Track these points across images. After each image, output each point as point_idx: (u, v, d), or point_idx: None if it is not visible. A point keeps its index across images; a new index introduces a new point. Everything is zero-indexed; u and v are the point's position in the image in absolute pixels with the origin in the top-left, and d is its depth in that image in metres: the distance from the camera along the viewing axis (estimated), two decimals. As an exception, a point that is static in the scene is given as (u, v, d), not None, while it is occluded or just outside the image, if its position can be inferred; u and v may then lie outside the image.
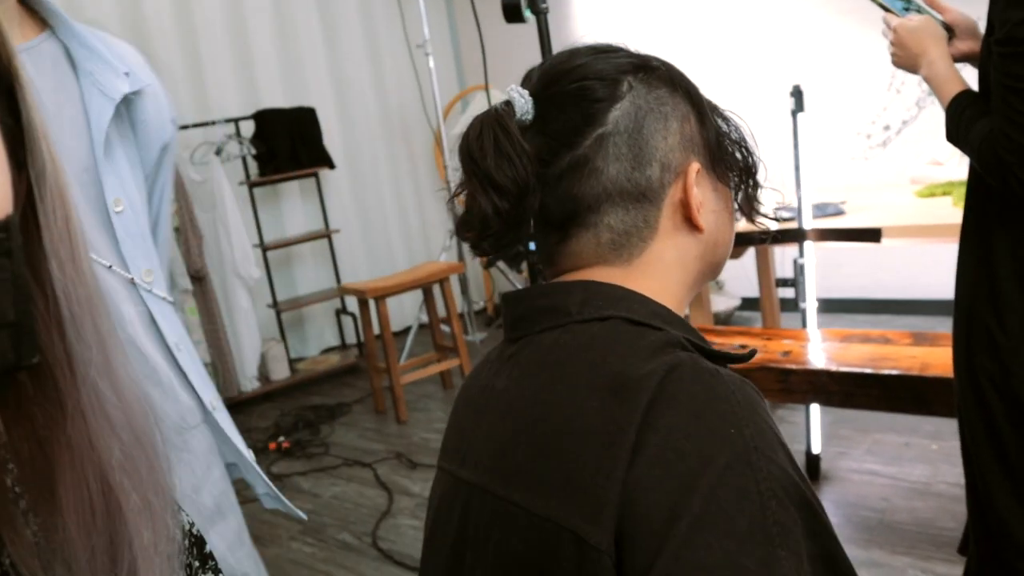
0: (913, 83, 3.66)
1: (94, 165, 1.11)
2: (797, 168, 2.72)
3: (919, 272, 4.18)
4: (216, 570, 0.69)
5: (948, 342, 2.36)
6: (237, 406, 4.26)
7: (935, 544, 2.30)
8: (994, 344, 1.36)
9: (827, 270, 4.05)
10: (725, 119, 0.77)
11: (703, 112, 0.75)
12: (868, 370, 2.27)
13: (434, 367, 4.02)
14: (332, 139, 4.81)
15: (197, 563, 0.67)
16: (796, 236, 2.72)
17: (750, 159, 0.78)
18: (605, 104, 0.71)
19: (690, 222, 0.73)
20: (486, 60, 2.19)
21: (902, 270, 4.21)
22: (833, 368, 2.33)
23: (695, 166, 0.73)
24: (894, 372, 2.22)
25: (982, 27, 1.36)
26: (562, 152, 0.71)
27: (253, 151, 4.32)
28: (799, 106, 2.69)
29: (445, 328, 4.38)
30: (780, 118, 2.76)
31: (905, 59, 1.46)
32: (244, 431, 3.91)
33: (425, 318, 4.38)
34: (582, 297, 0.70)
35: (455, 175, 4.79)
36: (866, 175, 3.68)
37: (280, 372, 4.43)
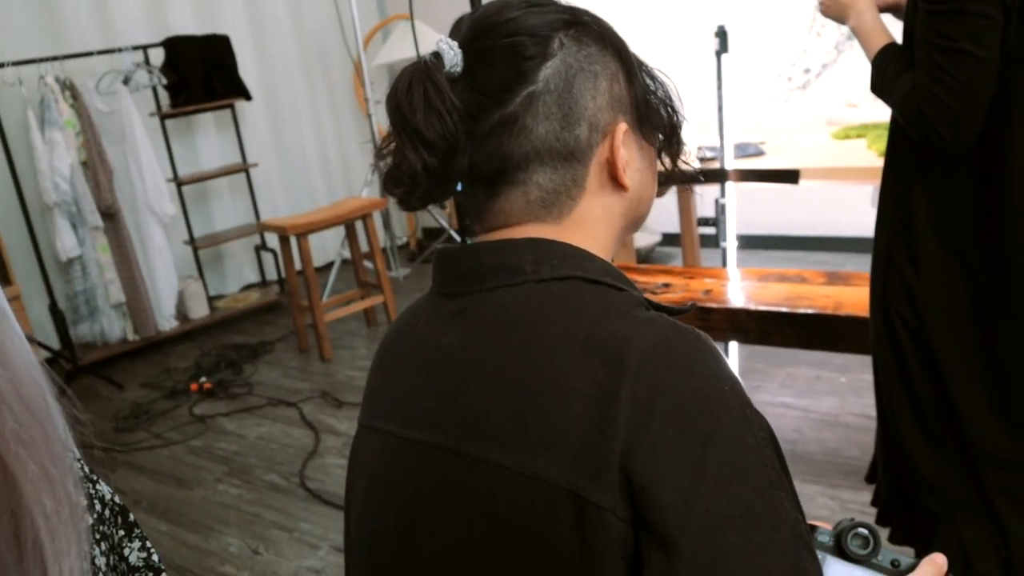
0: (833, 26, 3.72)
1: None
2: (720, 109, 2.75)
3: (832, 210, 4.32)
4: (143, 537, 0.68)
5: (860, 281, 2.48)
6: (155, 346, 4.17)
7: (842, 472, 2.44)
8: (909, 290, 1.43)
9: (744, 207, 4.15)
10: (652, 77, 0.78)
11: (632, 70, 0.75)
12: (784, 309, 2.35)
13: (358, 304, 4.00)
14: (247, 69, 4.63)
15: (122, 532, 0.67)
16: (718, 176, 2.77)
17: (675, 117, 0.78)
18: (536, 62, 0.70)
19: (616, 180, 0.74)
20: (411, -8, 2.13)
21: (816, 208, 4.35)
22: (752, 307, 2.40)
23: (622, 126, 0.73)
24: (809, 311, 2.31)
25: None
26: (491, 109, 0.70)
27: (164, 81, 4.13)
28: (723, 47, 2.71)
29: (368, 264, 4.35)
30: (704, 58, 2.78)
31: (833, 9, 1.48)
32: (163, 371, 3.86)
33: (347, 254, 4.33)
34: (534, 256, 0.70)
35: (376, 108, 4.69)
36: (785, 116, 3.76)
37: (199, 310, 4.34)
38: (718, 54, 2.71)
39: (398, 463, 0.73)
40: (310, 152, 5.18)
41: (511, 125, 0.70)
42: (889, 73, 1.35)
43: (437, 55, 0.71)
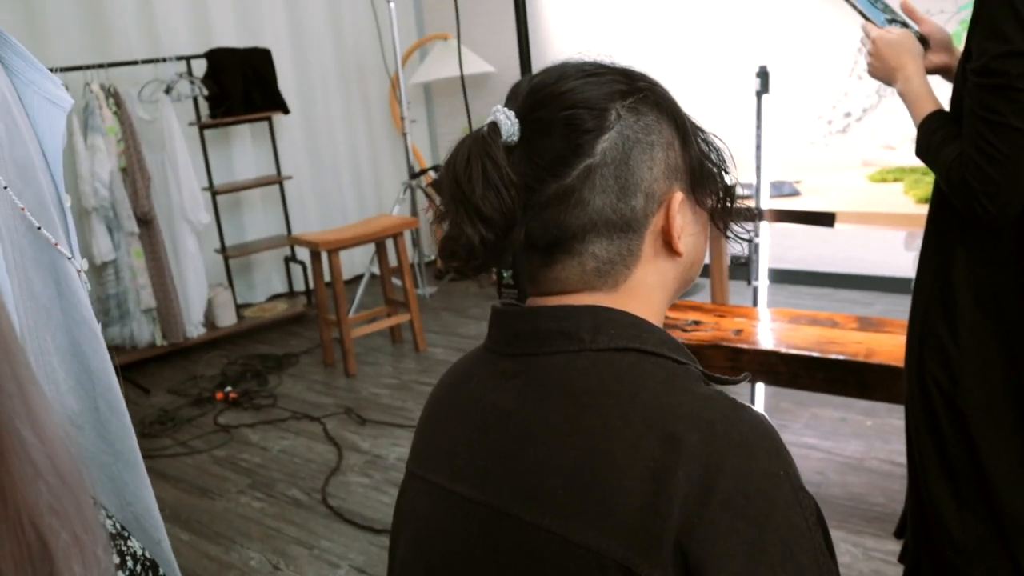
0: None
1: (47, 166, 1.10)
2: (759, 148, 2.76)
3: (864, 249, 4.30)
4: None
5: (892, 328, 2.47)
6: (182, 352, 4.21)
7: (866, 519, 2.42)
8: (945, 354, 1.43)
9: (775, 240, 4.14)
10: (707, 141, 0.78)
11: (687, 137, 0.76)
12: (815, 354, 2.35)
13: (384, 321, 4.02)
14: (286, 83, 4.69)
15: None
16: (753, 216, 2.77)
17: (728, 181, 0.79)
18: (594, 135, 0.71)
19: (670, 247, 0.75)
20: (458, 10, 2.16)
21: (848, 246, 4.33)
22: (782, 350, 2.40)
23: (678, 195, 0.74)
24: (840, 357, 2.30)
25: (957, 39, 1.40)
26: (548, 180, 0.71)
27: (205, 91, 4.19)
28: (764, 87, 2.72)
29: (396, 282, 4.37)
30: (746, 98, 2.79)
31: (882, 71, 1.49)
32: (190, 378, 3.90)
33: (376, 269, 4.36)
34: (592, 324, 0.71)
35: (411, 127, 4.74)
36: (823, 156, 3.76)
37: (227, 319, 4.38)
38: (759, 94, 2.73)
39: (446, 517, 0.74)
40: (343, 167, 5.23)
41: (568, 197, 0.71)
42: (936, 141, 1.35)
43: (494, 125, 0.72)
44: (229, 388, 3.67)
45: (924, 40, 1.50)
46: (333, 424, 3.34)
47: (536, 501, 0.67)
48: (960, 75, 1.34)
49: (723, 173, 0.79)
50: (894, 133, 3.23)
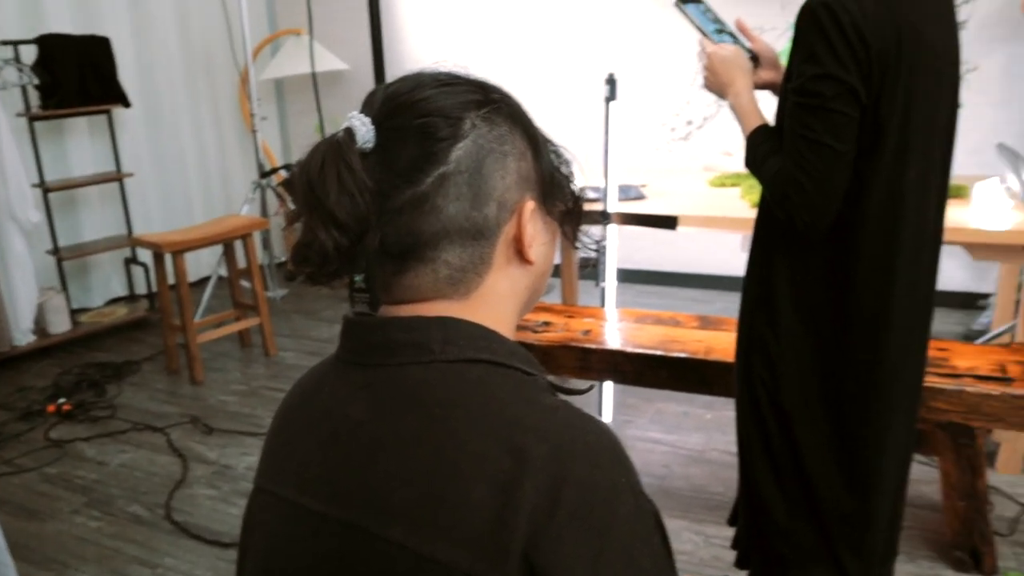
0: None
1: None
2: (607, 153, 2.85)
3: (705, 250, 4.53)
4: None
5: (729, 327, 2.61)
6: (9, 362, 3.92)
7: (707, 508, 2.55)
8: (768, 355, 1.53)
9: (621, 241, 4.29)
10: (557, 153, 0.81)
11: (538, 148, 0.78)
12: (660, 352, 2.45)
13: (233, 325, 3.89)
14: (127, 74, 4.45)
15: None
16: (601, 218, 2.86)
17: (577, 192, 0.82)
18: (448, 143, 0.72)
19: (521, 255, 0.77)
20: (311, 5, 2.12)
21: (690, 247, 4.54)
22: (629, 349, 2.49)
23: (530, 204, 0.76)
24: (682, 355, 2.42)
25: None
26: (403, 187, 0.71)
27: (35, 80, 3.92)
28: (612, 94, 2.82)
29: (245, 284, 4.24)
30: (594, 104, 2.88)
31: (715, 85, 1.58)
32: (18, 390, 3.65)
33: (224, 272, 4.21)
34: (443, 335, 0.72)
35: (261, 124, 4.60)
36: (667, 161, 3.93)
37: (60, 325, 4.11)
38: (607, 101, 2.82)
39: (296, 531, 0.73)
40: (189, 164, 5.02)
41: (422, 204, 0.71)
42: (760, 153, 1.45)
43: (349, 131, 0.72)
44: (62, 400, 3.45)
45: (755, 57, 1.60)
46: (178, 434, 3.21)
47: (386, 514, 0.67)
48: (783, 92, 1.44)
49: (572, 184, 0.81)
50: (733, 140, 3.42)
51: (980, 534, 2.16)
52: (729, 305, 4.28)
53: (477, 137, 0.73)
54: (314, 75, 2.27)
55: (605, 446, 0.68)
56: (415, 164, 0.71)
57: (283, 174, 4.16)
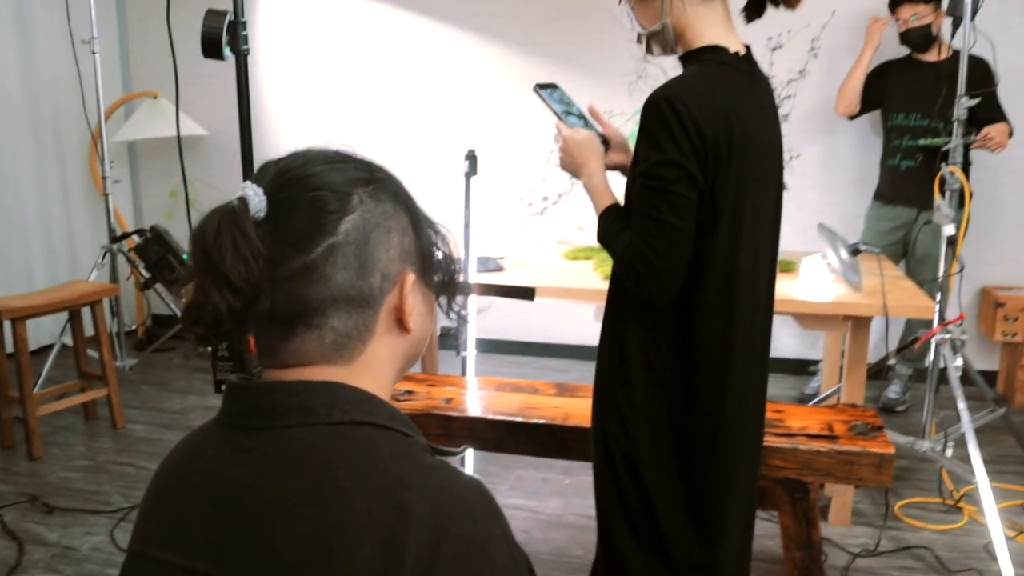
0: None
1: None
2: (467, 226, 2.96)
3: (560, 320, 4.70)
4: None
5: (585, 393, 2.73)
6: None
7: (567, 571, 2.63)
8: (621, 414, 1.65)
9: (481, 312, 4.40)
10: (435, 230, 0.88)
11: (419, 225, 0.85)
12: (519, 419, 2.53)
13: (77, 397, 3.70)
14: (-36, 132, 4.23)
15: None
16: (462, 290, 2.95)
17: (453, 266, 0.89)
18: (337, 216, 0.77)
19: (401, 324, 0.83)
20: (177, 71, 2.12)
21: (546, 317, 4.71)
22: (489, 416, 2.56)
23: (411, 276, 0.82)
24: (541, 421, 2.51)
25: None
26: (293, 256, 0.75)
27: None
28: (472, 170, 2.94)
29: (92, 353, 4.04)
30: (455, 179, 2.99)
31: (570, 165, 1.71)
32: None
33: (68, 340, 4.01)
34: (328, 398, 0.76)
35: (114, 187, 4.46)
36: (524, 234, 4.10)
37: None
38: (467, 176, 2.94)
39: None
40: (31, 226, 4.76)
41: (311, 272, 0.76)
42: (611, 230, 1.58)
43: (243, 200, 0.76)
44: None
45: (606, 141, 1.75)
46: (13, 515, 2.99)
47: (276, 574, 0.69)
48: (632, 174, 1.58)
49: (448, 258, 0.88)
50: (585, 216, 3.62)
51: (814, 583, 2.34)
52: (584, 373, 4.44)
53: (364, 212, 0.78)
54: (179, 138, 2.26)
55: (481, 501, 0.74)
56: (306, 234, 0.76)
57: (135, 239, 4.03)
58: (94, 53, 4.21)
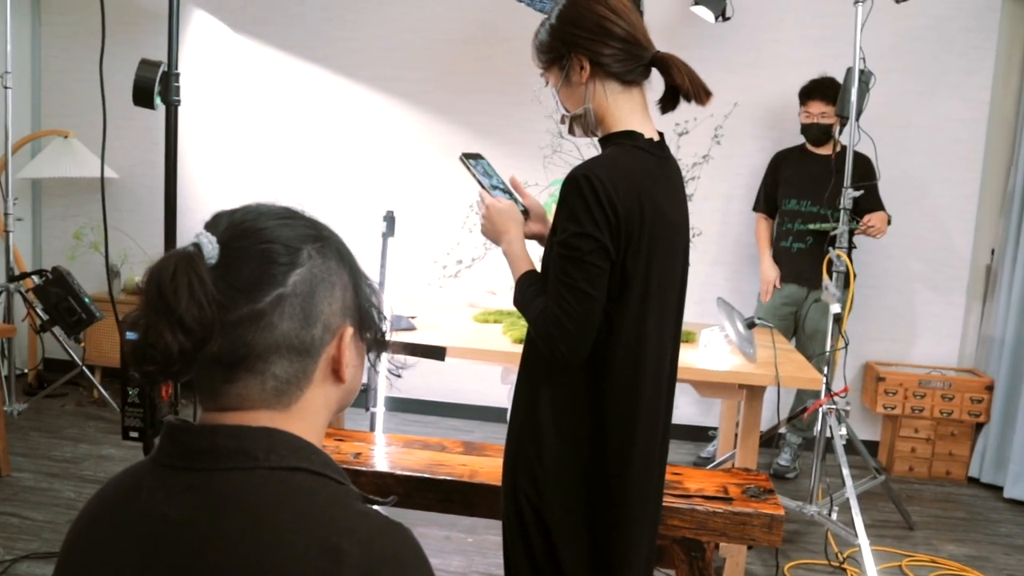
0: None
1: None
2: (382, 285, 3.01)
3: (467, 381, 4.75)
4: None
5: (492, 452, 2.79)
6: None
7: (466, 630, 2.64)
8: (533, 473, 1.71)
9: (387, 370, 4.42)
10: (371, 288, 0.93)
11: (357, 282, 0.91)
12: (427, 475, 2.57)
13: (-40, 442, 3.53)
14: None
15: None
16: (385, 346, 2.99)
17: (383, 322, 0.94)
18: (287, 268, 0.82)
19: (336, 374, 0.88)
20: (105, 114, 2.14)
21: (453, 378, 4.75)
22: (397, 472, 2.59)
23: (349, 330, 0.87)
24: (448, 478, 2.55)
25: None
26: (242, 303, 0.79)
27: None
28: (390, 230, 3.01)
29: (-22, 397, 3.87)
30: (373, 239, 3.05)
31: (491, 232, 1.80)
32: None
33: (-48, 383, 3.83)
34: (267, 444, 0.80)
35: (16, 225, 4.33)
36: (436, 295, 4.16)
37: None
38: (384, 236, 3.00)
39: None
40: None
41: (258, 320, 0.80)
42: (528, 294, 1.67)
43: (197, 246, 0.80)
44: None
45: (525, 211, 1.85)
46: None
47: None
48: (549, 243, 1.68)
49: (381, 316, 0.94)
50: (497, 281, 3.72)
51: (707, 641, 2.43)
52: (489, 434, 4.50)
53: (312, 267, 0.84)
54: (102, 180, 2.25)
55: (410, 549, 0.79)
56: (256, 283, 0.81)
57: (34, 280, 3.91)
58: (6, 87, 4.13)
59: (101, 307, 3.93)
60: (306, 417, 0.86)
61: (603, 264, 1.57)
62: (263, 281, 0.81)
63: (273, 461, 0.80)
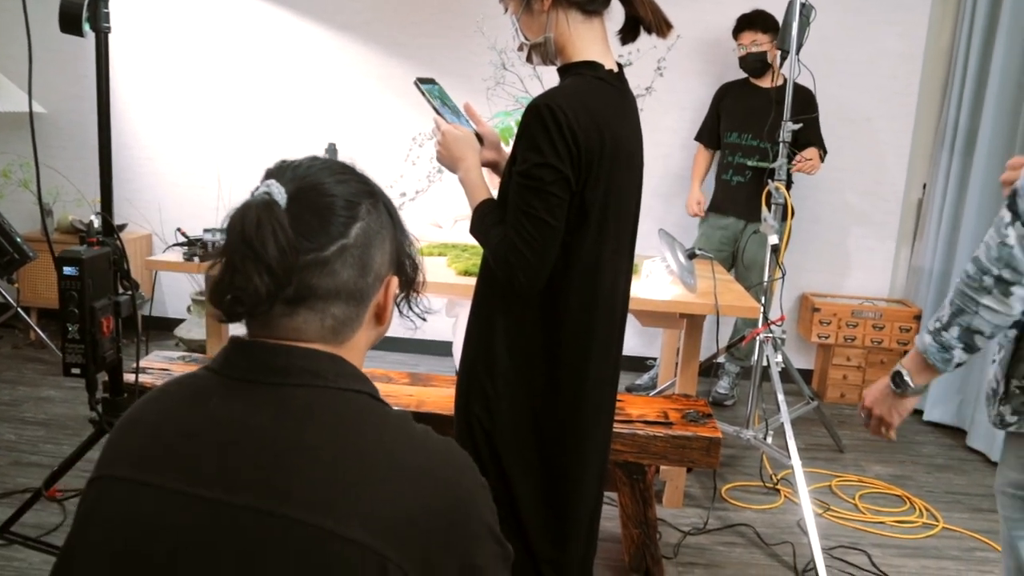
0: (426, 158, 4.21)
1: None
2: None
3: (410, 314, 4.76)
4: None
5: (438, 383, 2.82)
6: None
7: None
8: (486, 398, 1.74)
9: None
10: (408, 240, 1.01)
11: (402, 236, 0.99)
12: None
13: None
14: None
15: None
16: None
17: (417, 272, 1.03)
18: (350, 222, 0.90)
19: (379, 318, 0.97)
20: (31, 45, 2.04)
21: (396, 312, 4.75)
22: (346, 403, 2.61)
23: (395, 280, 0.97)
24: (396, 408, 2.58)
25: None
26: (309, 251, 0.87)
27: None
28: (334, 163, 2.97)
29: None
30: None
31: (448, 159, 1.78)
32: None
33: None
34: (333, 368, 0.89)
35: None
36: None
37: None
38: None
39: (178, 517, 0.81)
40: None
41: (323, 266, 0.88)
42: (486, 223, 1.68)
43: (270, 195, 0.87)
44: None
45: (481, 139, 1.84)
46: None
47: (306, 502, 0.78)
48: (507, 173, 1.68)
49: (415, 267, 1.02)
50: (442, 214, 3.71)
51: (651, 557, 2.53)
52: (435, 366, 4.53)
53: (370, 221, 0.92)
54: (31, 115, 2.18)
55: (467, 455, 0.90)
56: (323, 233, 0.88)
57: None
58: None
59: (35, 247, 3.82)
60: (353, 353, 0.94)
61: (564, 195, 1.58)
62: (328, 232, 0.88)
63: (341, 383, 0.88)
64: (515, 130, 2.10)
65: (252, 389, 0.87)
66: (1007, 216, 1.33)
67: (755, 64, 4.01)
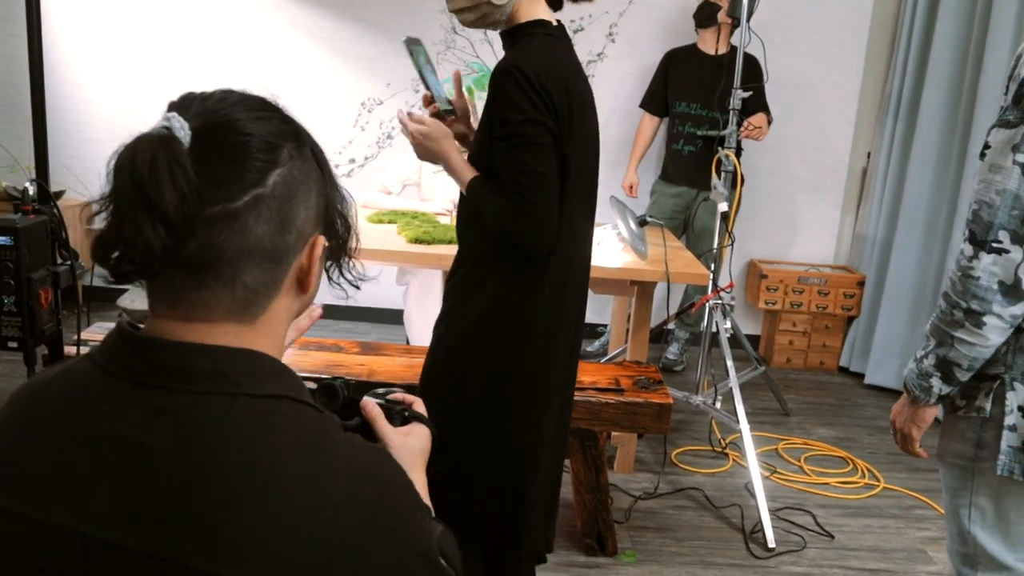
0: (375, 124, 4.14)
1: None
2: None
3: (361, 283, 4.71)
4: None
5: (389, 351, 2.80)
6: None
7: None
8: (460, 332, 1.76)
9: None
10: (341, 196, 0.84)
11: (331, 188, 0.82)
12: (325, 375, 2.56)
13: None
14: None
15: None
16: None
17: (349, 232, 0.86)
18: (267, 167, 0.73)
19: (301, 284, 0.80)
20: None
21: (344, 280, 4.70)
22: (297, 374, 2.58)
23: (321, 239, 0.79)
24: (349, 378, 2.55)
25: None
26: (216, 200, 0.70)
27: None
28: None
29: None
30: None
31: (428, 155, 1.77)
32: None
33: None
34: (246, 369, 0.73)
35: None
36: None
37: None
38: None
39: (82, 566, 0.68)
40: None
41: (233, 221, 0.71)
42: (482, 194, 1.67)
43: (169, 130, 0.70)
44: None
45: (453, 110, 1.83)
46: None
47: (216, 547, 0.66)
48: (483, 141, 1.66)
49: (347, 226, 0.85)
50: (392, 180, 3.66)
51: (604, 522, 2.56)
52: (385, 334, 4.50)
53: (292, 167, 0.75)
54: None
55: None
56: (232, 180, 0.71)
57: None
58: None
59: (-35, 213, 3.67)
60: (271, 331, 0.78)
61: (552, 144, 1.59)
62: (241, 178, 0.72)
63: (255, 388, 0.72)
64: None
65: (150, 398, 0.71)
66: (968, 249, 1.34)
67: (710, 14, 3.95)
